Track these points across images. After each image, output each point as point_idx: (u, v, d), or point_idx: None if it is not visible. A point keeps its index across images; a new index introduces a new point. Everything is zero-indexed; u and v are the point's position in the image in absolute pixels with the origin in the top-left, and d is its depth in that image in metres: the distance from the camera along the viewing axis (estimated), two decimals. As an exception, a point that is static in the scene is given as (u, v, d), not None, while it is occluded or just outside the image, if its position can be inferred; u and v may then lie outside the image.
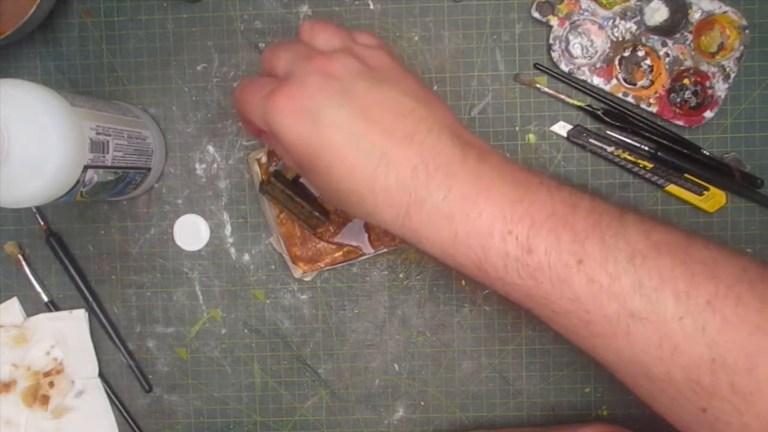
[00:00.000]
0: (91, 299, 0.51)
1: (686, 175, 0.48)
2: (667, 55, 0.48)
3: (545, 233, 0.32)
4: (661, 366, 0.31)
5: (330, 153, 0.33)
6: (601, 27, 0.48)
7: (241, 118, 0.40)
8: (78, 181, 0.40)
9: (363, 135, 0.33)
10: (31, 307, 0.52)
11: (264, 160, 0.48)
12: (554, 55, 0.48)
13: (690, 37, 0.47)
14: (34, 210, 0.51)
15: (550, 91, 0.49)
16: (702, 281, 0.30)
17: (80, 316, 0.51)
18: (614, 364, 0.33)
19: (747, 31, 0.47)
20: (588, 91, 0.49)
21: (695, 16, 0.47)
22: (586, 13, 0.48)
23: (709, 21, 0.47)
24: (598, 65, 0.48)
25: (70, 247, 0.51)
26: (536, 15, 0.48)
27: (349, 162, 0.33)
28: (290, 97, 0.33)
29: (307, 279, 0.50)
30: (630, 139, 0.48)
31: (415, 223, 0.33)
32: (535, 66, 0.49)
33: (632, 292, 0.31)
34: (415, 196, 0.33)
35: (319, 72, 0.34)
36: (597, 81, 0.48)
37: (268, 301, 0.51)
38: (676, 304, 0.30)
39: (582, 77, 0.48)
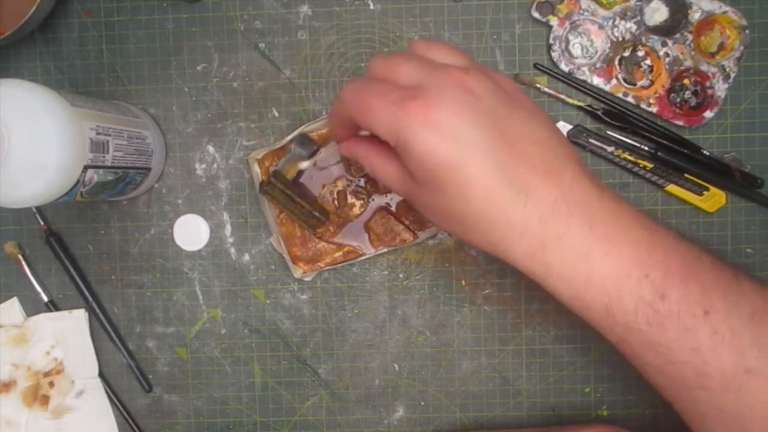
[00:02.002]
0: (91, 299, 0.51)
1: (686, 175, 0.48)
2: (667, 55, 0.48)
3: (678, 282, 0.32)
4: (763, 424, 0.31)
5: (467, 174, 0.31)
6: (601, 27, 0.48)
7: (335, 117, 0.38)
8: (78, 181, 0.40)
9: (505, 161, 0.31)
10: (31, 307, 0.52)
11: (257, 173, 0.48)
12: (554, 55, 0.48)
13: (690, 37, 0.47)
14: (34, 210, 0.51)
15: (550, 91, 0.49)
16: None
17: (80, 316, 0.51)
18: (711, 419, 0.33)
19: (747, 31, 0.47)
20: (588, 91, 0.49)
21: (695, 16, 0.47)
22: (586, 13, 0.48)
23: (709, 21, 0.47)
24: (598, 65, 0.48)
25: (70, 247, 0.51)
26: (536, 15, 0.48)
27: (487, 186, 0.31)
28: (429, 108, 0.31)
29: (307, 279, 0.50)
30: (630, 139, 0.48)
31: (549, 258, 0.32)
32: (535, 66, 0.49)
33: (750, 347, 0.31)
34: (552, 230, 0.32)
35: (458, 86, 0.32)
36: (597, 81, 0.48)
37: (268, 301, 0.51)
38: None
39: (582, 77, 0.48)
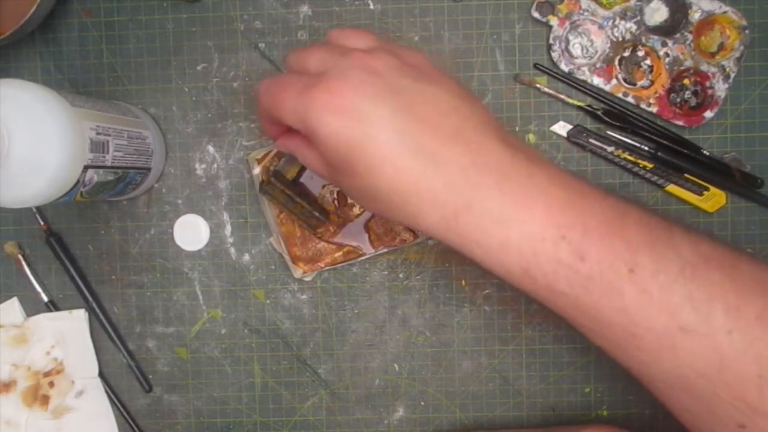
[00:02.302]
0: (91, 299, 0.51)
1: (686, 175, 0.48)
2: (667, 55, 0.48)
3: (598, 240, 0.30)
4: (705, 382, 0.30)
5: (374, 152, 0.31)
6: (601, 27, 0.48)
7: (262, 117, 0.38)
8: (78, 181, 0.40)
9: (409, 134, 0.31)
10: (31, 307, 0.52)
11: (257, 171, 0.48)
12: (554, 55, 0.48)
13: (690, 37, 0.47)
14: (34, 210, 0.51)
15: (550, 91, 0.49)
16: (751, 296, 0.30)
17: (80, 316, 0.51)
18: (655, 380, 0.32)
19: (747, 31, 0.47)
20: (588, 91, 0.49)
21: (695, 16, 0.47)
22: (586, 13, 0.48)
23: (709, 21, 0.47)
24: (598, 65, 0.48)
25: (70, 247, 0.51)
26: (536, 15, 0.48)
27: (394, 161, 0.31)
28: (331, 92, 0.31)
29: (307, 279, 0.50)
30: (630, 139, 0.48)
31: (462, 226, 0.32)
32: (535, 66, 0.49)
33: (682, 305, 0.30)
34: (463, 198, 0.31)
35: (360, 67, 0.32)
36: (597, 81, 0.48)
37: (268, 301, 0.51)
38: (726, 318, 0.29)
39: (582, 77, 0.48)
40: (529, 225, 0.31)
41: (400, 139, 0.31)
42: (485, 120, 0.33)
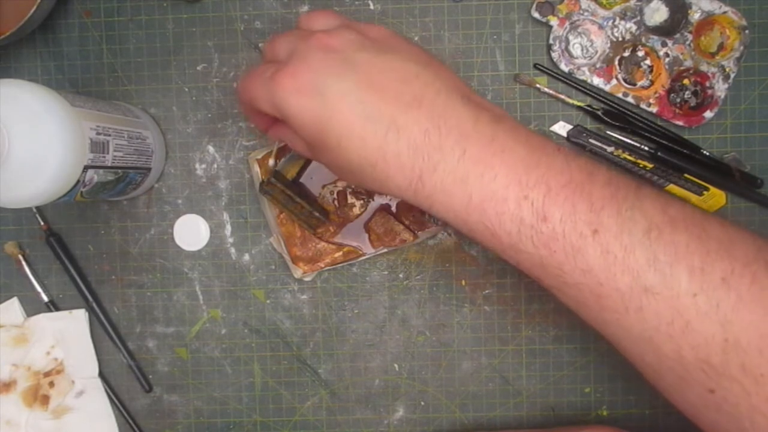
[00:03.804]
0: (91, 299, 0.51)
1: (686, 175, 0.48)
2: (667, 55, 0.48)
3: (561, 201, 0.31)
4: (671, 344, 0.30)
5: (339, 125, 0.32)
6: (601, 27, 0.48)
7: (247, 111, 0.40)
8: (78, 181, 0.40)
9: (370, 103, 0.32)
10: (31, 307, 0.52)
11: (271, 163, 0.48)
12: (554, 55, 0.48)
13: (690, 37, 0.47)
14: (34, 210, 0.51)
15: (550, 91, 0.49)
16: (717, 258, 0.30)
17: (80, 316, 0.51)
18: (623, 341, 0.32)
19: (747, 31, 0.47)
20: (588, 91, 0.49)
21: (695, 16, 0.47)
22: (586, 13, 0.48)
23: (708, 21, 0.47)
24: (598, 65, 0.48)
25: (70, 247, 0.51)
26: (536, 15, 0.48)
27: (359, 131, 0.32)
28: (293, 75, 0.33)
29: (307, 279, 0.50)
30: (630, 139, 0.48)
31: (428, 188, 0.32)
32: (535, 66, 0.49)
33: (646, 266, 0.30)
34: (427, 160, 0.32)
35: (320, 47, 0.33)
36: (597, 81, 0.48)
37: (268, 301, 0.51)
38: (691, 280, 0.29)
39: (582, 77, 0.48)
40: (492, 184, 0.31)
41: (362, 109, 0.32)
42: (448, 84, 0.33)
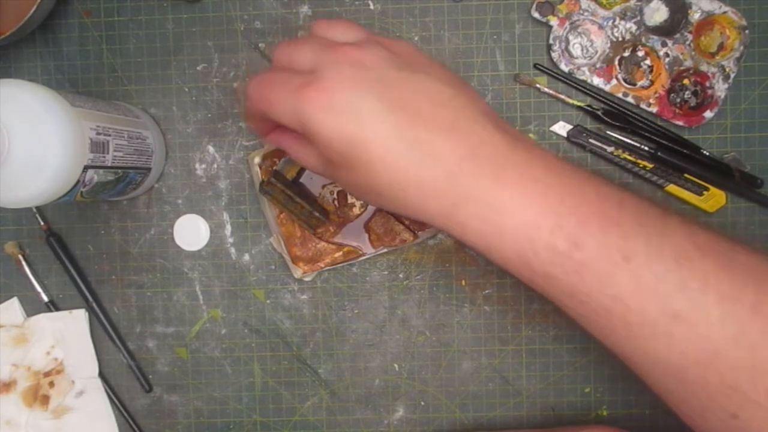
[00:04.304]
0: (91, 299, 0.51)
1: (686, 175, 0.48)
2: (667, 55, 0.48)
3: (594, 229, 0.31)
4: (698, 369, 0.30)
5: (372, 146, 0.31)
6: (601, 27, 0.48)
7: (251, 116, 0.38)
8: (78, 181, 0.40)
9: (406, 126, 0.31)
10: (31, 307, 0.52)
11: (257, 161, 0.48)
12: (554, 55, 0.48)
13: (690, 37, 0.47)
14: (34, 210, 0.51)
15: (550, 91, 0.49)
16: (745, 285, 0.30)
17: (80, 316, 0.51)
18: (648, 368, 0.33)
19: (747, 31, 0.47)
20: (588, 91, 0.49)
21: (695, 16, 0.47)
22: (586, 13, 0.48)
23: (708, 21, 0.47)
24: (598, 65, 0.48)
25: (70, 247, 0.51)
26: (536, 15, 0.48)
27: (393, 154, 0.31)
28: (325, 90, 0.32)
29: (307, 279, 0.50)
30: (630, 139, 0.48)
31: (462, 215, 0.32)
32: (535, 66, 0.49)
33: (676, 293, 0.30)
34: (462, 187, 0.31)
35: (351, 62, 0.32)
36: (597, 81, 0.48)
37: (268, 301, 0.51)
38: (720, 307, 0.30)
39: (582, 77, 0.48)
40: (526, 213, 0.31)
41: (396, 133, 0.31)
42: (481, 109, 0.33)
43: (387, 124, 0.31)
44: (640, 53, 0.48)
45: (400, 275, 0.51)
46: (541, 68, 0.49)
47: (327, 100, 0.31)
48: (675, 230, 0.31)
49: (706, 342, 0.30)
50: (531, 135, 0.49)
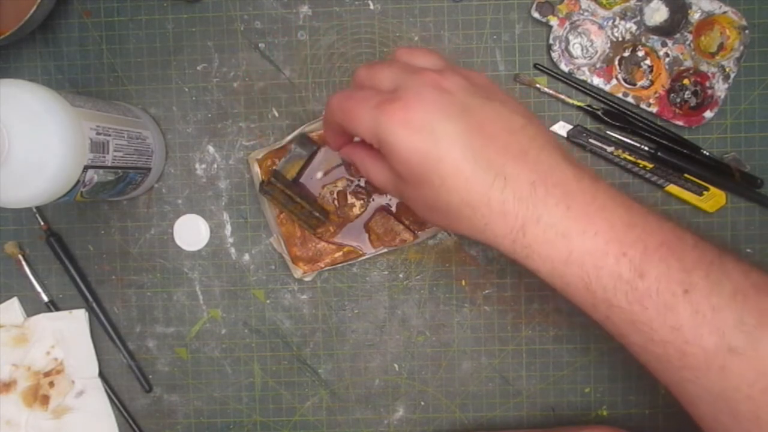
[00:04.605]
0: (91, 299, 0.51)
1: (686, 175, 0.48)
2: (667, 55, 0.48)
3: (657, 260, 0.32)
4: (750, 404, 0.31)
5: (447, 165, 0.33)
6: (601, 27, 0.48)
7: (328, 128, 0.40)
8: (78, 181, 0.40)
9: (480, 149, 0.33)
10: (31, 307, 0.52)
11: (257, 161, 0.48)
12: (554, 55, 0.48)
13: (690, 37, 0.47)
14: (34, 210, 0.51)
15: (550, 91, 0.49)
16: None
17: (80, 316, 0.51)
18: (698, 399, 0.33)
19: (747, 31, 0.47)
20: (588, 91, 0.49)
21: (695, 16, 0.47)
22: (586, 13, 0.48)
23: (708, 21, 0.47)
24: (598, 65, 0.48)
25: (70, 247, 0.51)
26: (536, 15, 0.48)
27: (467, 174, 0.33)
28: (406, 108, 0.33)
29: (307, 279, 0.50)
30: (630, 139, 0.48)
31: (529, 239, 0.33)
32: (535, 66, 0.49)
33: (733, 327, 0.31)
34: (532, 211, 0.33)
35: (433, 86, 0.34)
36: (597, 81, 0.48)
37: (268, 301, 0.51)
38: None
39: (582, 77, 0.48)
40: (593, 240, 0.32)
41: (472, 154, 0.33)
42: (550, 140, 0.35)
43: (461, 145, 0.33)
44: (640, 53, 0.48)
45: (400, 275, 0.51)
46: (541, 68, 0.49)
47: (406, 116, 0.33)
48: (732, 267, 0.33)
49: (761, 377, 0.31)
50: (531, 135, 0.49)
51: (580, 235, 0.33)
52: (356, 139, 0.40)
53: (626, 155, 0.48)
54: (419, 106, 0.33)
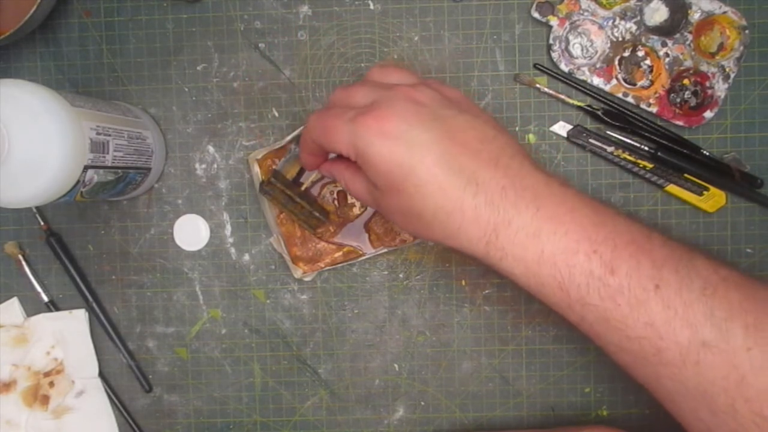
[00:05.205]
0: (91, 299, 0.51)
1: (686, 175, 0.48)
2: (667, 55, 0.48)
3: (627, 256, 0.33)
4: (726, 397, 0.32)
5: (422, 172, 0.34)
6: (601, 27, 0.48)
7: (305, 148, 0.41)
8: (78, 181, 0.40)
9: (453, 156, 0.34)
10: (31, 307, 0.52)
11: (255, 169, 0.48)
12: (554, 55, 0.48)
13: (690, 37, 0.47)
14: (34, 210, 0.51)
15: (550, 91, 0.49)
16: None
17: (80, 316, 0.51)
18: (676, 395, 0.34)
19: (747, 31, 0.47)
20: (588, 91, 0.49)
21: (695, 16, 0.47)
22: (586, 13, 0.48)
23: (708, 21, 0.47)
24: (598, 65, 0.48)
25: (70, 247, 0.51)
26: (536, 15, 0.48)
27: (440, 181, 0.34)
28: (380, 119, 0.34)
29: (307, 279, 0.50)
30: (630, 139, 0.48)
31: (502, 241, 0.34)
32: (535, 66, 0.49)
33: (704, 321, 0.32)
34: (503, 215, 0.34)
35: (407, 98, 0.35)
36: (597, 81, 0.48)
37: (268, 301, 0.51)
38: (745, 336, 0.31)
39: (582, 77, 0.48)
40: (564, 239, 0.34)
41: (445, 161, 0.34)
42: (520, 150, 0.36)
43: (435, 152, 0.34)
44: (640, 53, 0.48)
45: (400, 275, 0.51)
46: (541, 68, 0.49)
47: (381, 127, 0.34)
48: (700, 263, 0.33)
49: (733, 370, 0.31)
50: (531, 135, 0.49)
51: (550, 235, 0.34)
52: (331, 156, 0.42)
53: (626, 155, 0.48)
54: (393, 116, 0.34)
